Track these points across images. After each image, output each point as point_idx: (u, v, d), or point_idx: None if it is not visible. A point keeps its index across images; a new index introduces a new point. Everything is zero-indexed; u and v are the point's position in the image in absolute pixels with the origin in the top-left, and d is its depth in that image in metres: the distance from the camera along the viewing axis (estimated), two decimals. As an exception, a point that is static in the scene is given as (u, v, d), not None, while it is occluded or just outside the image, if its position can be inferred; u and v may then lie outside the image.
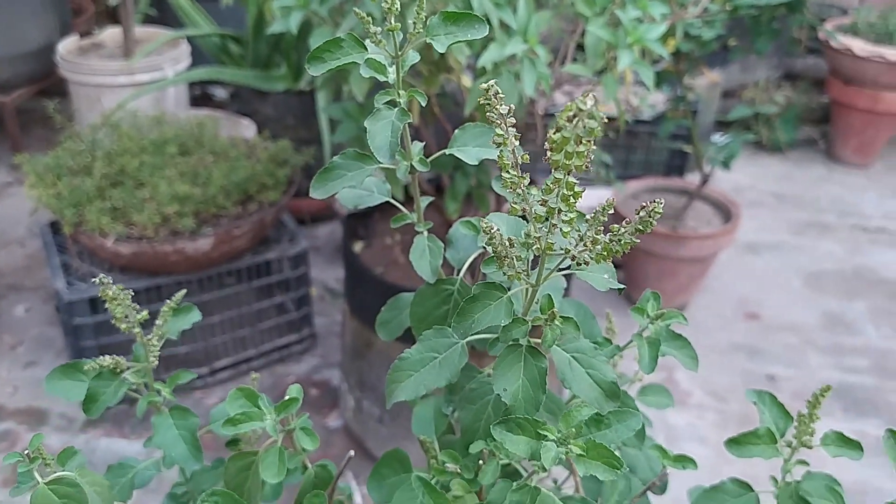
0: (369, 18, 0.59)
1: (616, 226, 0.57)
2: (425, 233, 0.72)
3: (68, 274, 2.03)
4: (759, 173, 3.54)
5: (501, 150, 0.56)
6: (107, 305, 0.72)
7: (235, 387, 0.70)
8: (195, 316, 0.78)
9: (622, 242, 0.56)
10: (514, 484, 0.54)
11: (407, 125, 0.61)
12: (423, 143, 0.68)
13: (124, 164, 1.99)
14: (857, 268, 2.88)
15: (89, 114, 2.89)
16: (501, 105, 0.56)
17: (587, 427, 0.56)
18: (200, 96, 3.72)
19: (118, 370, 0.71)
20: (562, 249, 0.58)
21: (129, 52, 2.93)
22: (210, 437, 1.78)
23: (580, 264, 0.57)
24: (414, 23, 0.60)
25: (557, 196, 0.54)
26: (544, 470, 0.53)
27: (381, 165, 0.60)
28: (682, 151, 2.70)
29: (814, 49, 3.86)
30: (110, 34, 3.24)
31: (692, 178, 2.88)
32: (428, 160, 0.69)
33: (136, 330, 0.74)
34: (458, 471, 0.62)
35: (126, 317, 0.72)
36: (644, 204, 0.57)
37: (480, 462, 0.62)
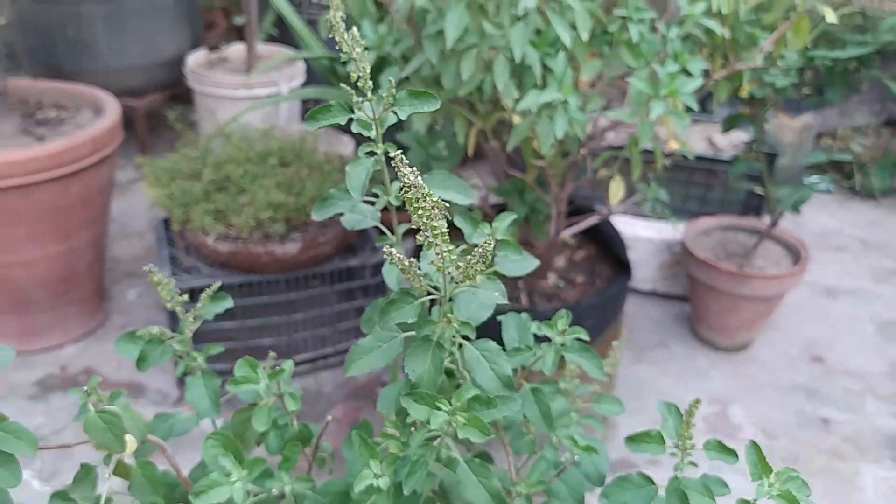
0: (352, 92, 0.76)
1: (469, 257, 0.71)
2: (399, 251, 0.88)
3: (174, 266, 2.30)
4: (849, 218, 3.52)
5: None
6: (157, 288, 0.92)
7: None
8: (228, 303, 0.97)
9: (474, 270, 0.70)
10: (424, 442, 0.70)
11: (386, 169, 0.78)
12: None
13: (230, 172, 2.24)
14: (936, 321, 2.85)
15: (210, 122, 3.20)
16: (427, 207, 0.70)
17: (479, 405, 0.71)
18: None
19: (163, 338, 0.92)
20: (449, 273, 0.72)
21: (250, 68, 3.23)
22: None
23: (463, 282, 0.72)
24: (386, 96, 0.77)
25: (433, 238, 0.69)
26: (445, 434, 0.69)
27: (356, 200, 0.78)
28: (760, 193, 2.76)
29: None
30: (236, 50, 3.56)
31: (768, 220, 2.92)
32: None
33: (179, 309, 0.94)
34: (397, 435, 0.78)
35: (171, 298, 0.92)
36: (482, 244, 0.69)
37: (412, 429, 0.78)
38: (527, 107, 1.27)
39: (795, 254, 2.61)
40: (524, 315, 0.92)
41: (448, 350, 0.74)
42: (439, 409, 0.69)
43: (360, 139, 2.99)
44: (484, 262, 0.69)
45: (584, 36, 1.39)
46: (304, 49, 3.27)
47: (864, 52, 2.12)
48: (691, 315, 2.73)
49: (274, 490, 0.78)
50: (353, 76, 0.78)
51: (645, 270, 2.87)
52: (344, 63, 3.16)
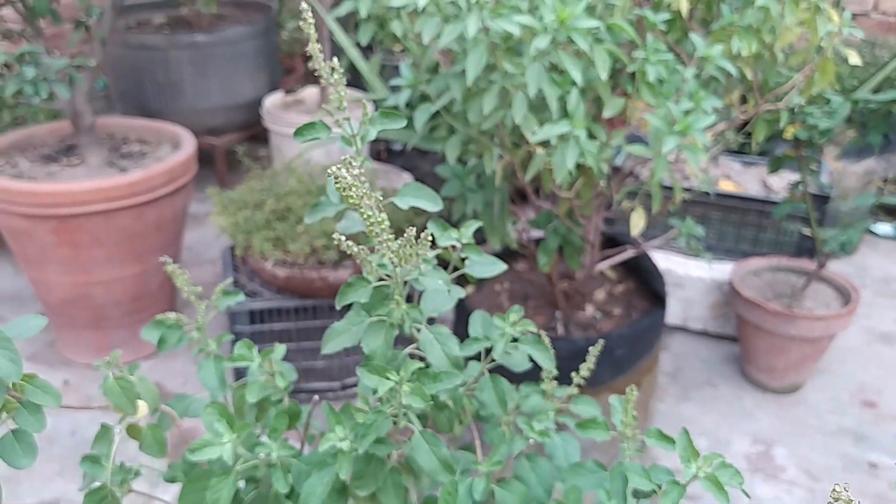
0: (333, 111, 0.89)
1: (399, 241, 0.80)
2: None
3: (237, 289, 2.46)
4: (916, 265, 3.46)
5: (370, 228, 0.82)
6: (175, 281, 1.06)
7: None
8: (239, 297, 1.09)
9: (405, 252, 0.79)
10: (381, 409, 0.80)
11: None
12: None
13: (290, 203, 2.40)
14: None
15: (282, 159, 3.40)
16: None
17: (426, 378, 0.80)
18: (383, 150, 4.18)
19: (180, 325, 1.05)
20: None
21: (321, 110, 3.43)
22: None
23: (401, 265, 0.81)
24: (361, 121, 0.89)
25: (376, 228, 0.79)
26: (392, 401, 0.78)
27: (341, 206, 0.89)
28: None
29: None
30: (310, 93, 3.78)
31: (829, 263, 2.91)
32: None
33: (194, 298, 1.07)
34: (365, 409, 0.89)
35: (187, 290, 1.06)
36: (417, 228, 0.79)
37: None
38: (543, 138, 1.37)
39: (846, 296, 2.59)
40: (487, 314, 1.01)
41: (408, 329, 0.85)
42: (388, 378, 0.79)
43: (420, 177, 3.13)
44: (410, 246, 0.79)
45: (604, 76, 1.48)
46: (371, 92, 3.45)
47: (906, 94, 2.13)
48: (740, 356, 2.74)
49: (262, 455, 0.88)
50: (332, 99, 0.90)
51: (696, 310, 2.89)
52: (408, 105, 3.34)
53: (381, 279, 0.87)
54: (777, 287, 2.67)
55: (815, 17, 1.67)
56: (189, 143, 2.63)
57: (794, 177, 3.01)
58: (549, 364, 0.97)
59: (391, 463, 0.87)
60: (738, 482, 0.82)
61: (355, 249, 0.83)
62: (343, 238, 0.82)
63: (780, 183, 3.08)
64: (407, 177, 3.15)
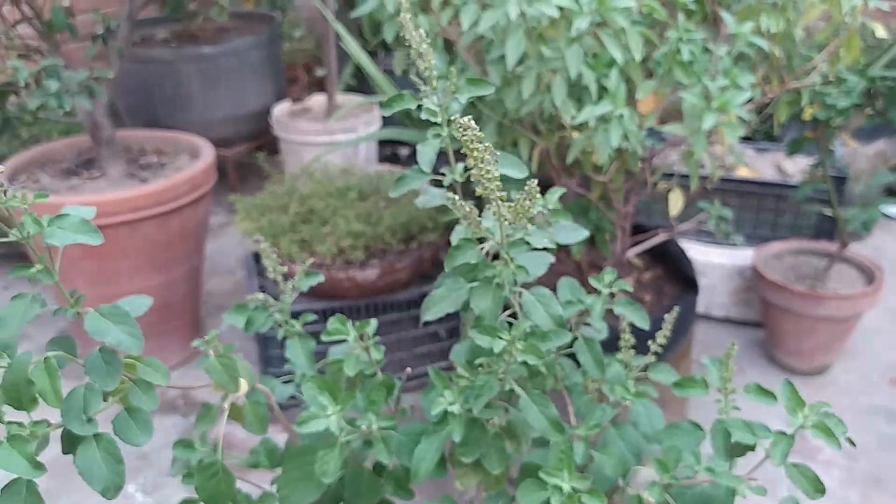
0: (422, 81, 0.89)
1: (518, 196, 0.80)
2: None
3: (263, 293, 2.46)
4: (932, 244, 3.47)
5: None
6: (264, 261, 1.07)
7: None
8: (320, 278, 1.10)
9: (524, 207, 0.79)
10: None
11: (453, 150, 0.90)
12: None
13: (313, 205, 2.41)
14: None
15: (294, 166, 3.41)
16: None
17: (535, 337, 0.81)
18: (390, 155, 4.19)
19: (267, 306, 1.05)
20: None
21: (330, 116, 3.43)
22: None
23: (516, 222, 0.82)
24: (450, 85, 0.89)
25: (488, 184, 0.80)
26: (500, 363, 0.79)
27: (430, 176, 0.90)
28: (831, 216, 2.77)
29: None
30: (317, 100, 3.79)
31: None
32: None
33: (279, 278, 1.07)
34: (467, 376, 0.90)
35: (274, 269, 1.07)
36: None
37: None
38: (584, 119, 1.38)
39: (870, 275, 2.60)
40: (574, 280, 1.01)
41: (508, 292, 0.85)
42: (500, 338, 0.80)
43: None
44: (531, 201, 0.78)
45: (637, 56, 1.49)
46: (379, 95, 3.46)
47: (926, 69, 2.15)
48: (767, 340, 2.74)
49: (363, 427, 0.88)
50: (422, 68, 0.91)
51: (717, 296, 2.90)
52: (418, 106, 3.35)
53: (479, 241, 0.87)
54: (800, 269, 2.68)
55: (839, -8, 1.68)
56: (208, 152, 2.64)
57: (806, 161, 3.03)
58: (644, 323, 0.98)
59: (493, 429, 0.88)
60: (842, 430, 0.83)
61: (467, 209, 0.83)
62: (454, 197, 0.81)
63: (795, 167, 3.09)
64: (422, 178, 3.16)
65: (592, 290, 1.04)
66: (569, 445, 0.82)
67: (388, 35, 1.87)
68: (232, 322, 1.08)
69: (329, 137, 3.36)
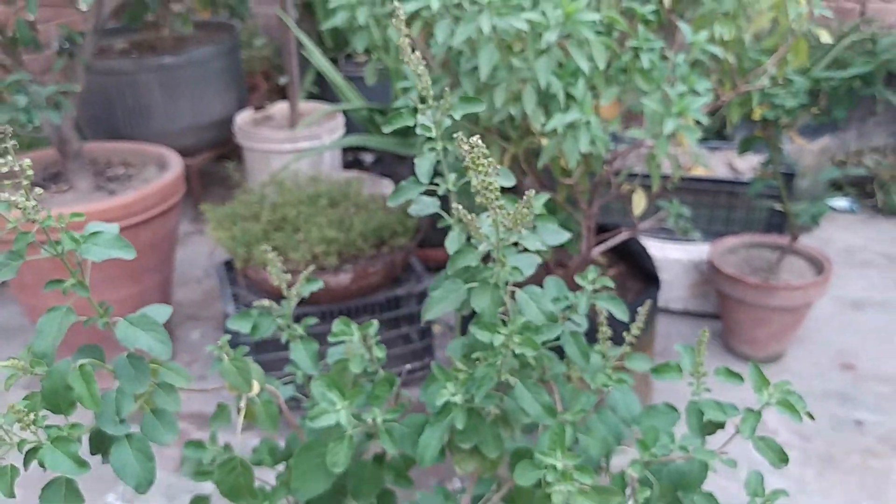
0: (418, 100, 0.96)
1: (517, 204, 0.88)
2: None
3: (237, 302, 2.49)
4: (874, 235, 3.64)
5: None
6: (267, 268, 1.12)
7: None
8: (320, 284, 1.16)
9: (521, 215, 0.87)
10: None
11: (445, 163, 0.97)
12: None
13: (285, 213, 2.45)
14: (963, 326, 2.94)
15: (259, 174, 3.44)
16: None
17: (529, 331, 0.88)
18: (353, 161, 4.24)
19: (271, 312, 1.11)
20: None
21: (293, 123, 3.47)
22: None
23: (513, 228, 0.89)
24: (443, 103, 0.96)
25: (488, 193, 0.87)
26: (497, 356, 0.87)
27: (425, 186, 0.97)
28: (781, 211, 2.91)
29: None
30: (279, 108, 3.82)
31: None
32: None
33: (283, 286, 1.13)
34: (465, 369, 0.97)
35: (278, 276, 1.13)
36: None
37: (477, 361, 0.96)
38: (553, 127, 1.46)
39: (819, 267, 2.74)
40: (561, 279, 1.09)
41: (502, 292, 0.93)
42: (499, 332, 0.87)
43: (396, 180, 3.20)
44: (528, 209, 0.86)
45: (601, 65, 1.58)
46: (343, 102, 3.52)
47: (866, 70, 2.28)
48: (723, 331, 2.86)
49: (369, 421, 0.95)
50: (418, 88, 0.97)
51: (676, 291, 3.02)
52: (382, 112, 3.41)
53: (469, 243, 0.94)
54: (753, 262, 2.80)
55: (785, 1, 1.79)
56: (176, 164, 2.67)
57: (756, 159, 3.17)
58: (624, 317, 1.06)
59: (490, 417, 0.95)
60: (802, 406, 0.91)
61: (468, 217, 0.89)
62: (457, 206, 0.88)
63: (746, 165, 3.22)
64: (388, 183, 3.22)
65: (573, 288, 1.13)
66: (562, 428, 0.90)
67: (359, 46, 1.93)
68: (237, 328, 1.13)
69: (293, 145, 3.40)
